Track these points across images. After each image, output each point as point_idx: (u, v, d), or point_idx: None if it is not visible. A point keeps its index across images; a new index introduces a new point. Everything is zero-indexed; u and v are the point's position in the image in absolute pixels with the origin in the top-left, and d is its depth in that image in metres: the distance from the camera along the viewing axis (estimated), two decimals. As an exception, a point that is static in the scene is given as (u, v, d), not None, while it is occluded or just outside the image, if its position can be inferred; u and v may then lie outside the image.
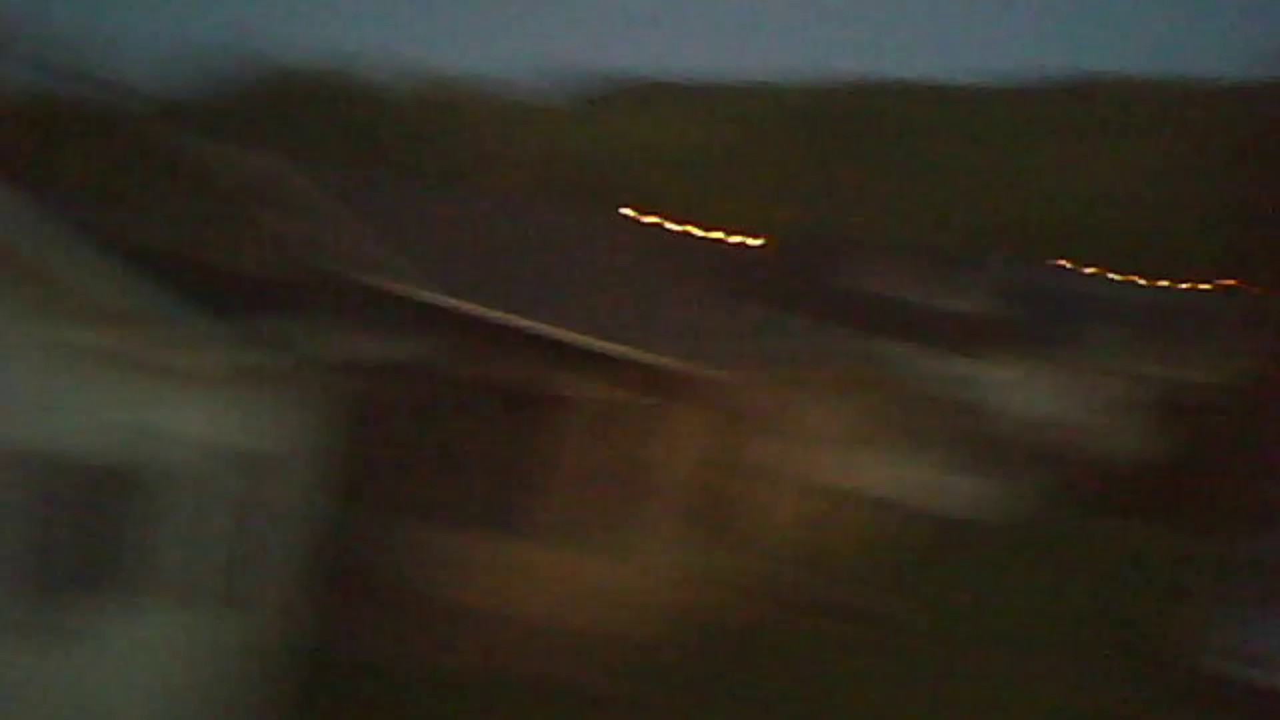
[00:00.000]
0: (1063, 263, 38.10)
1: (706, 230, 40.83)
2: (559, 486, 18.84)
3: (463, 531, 16.44)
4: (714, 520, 17.00)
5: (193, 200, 17.39)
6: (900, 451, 22.01)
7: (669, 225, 38.64)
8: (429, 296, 16.33)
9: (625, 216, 28.25)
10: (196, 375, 10.30)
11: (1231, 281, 37.45)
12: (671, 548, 15.54)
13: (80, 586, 9.56)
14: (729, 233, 41.25)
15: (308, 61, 66.63)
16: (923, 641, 17.36)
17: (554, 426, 18.86)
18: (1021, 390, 30.83)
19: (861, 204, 66.80)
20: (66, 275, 8.56)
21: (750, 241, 43.57)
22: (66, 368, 8.98)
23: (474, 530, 16.59)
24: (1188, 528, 22.93)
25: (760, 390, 17.46)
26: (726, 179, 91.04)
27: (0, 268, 8.14)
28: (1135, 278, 37.67)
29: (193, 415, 10.58)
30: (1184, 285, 38.41)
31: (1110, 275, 37.56)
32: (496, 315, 16.22)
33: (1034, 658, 17.03)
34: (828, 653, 16.77)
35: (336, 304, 13.77)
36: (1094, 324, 33.36)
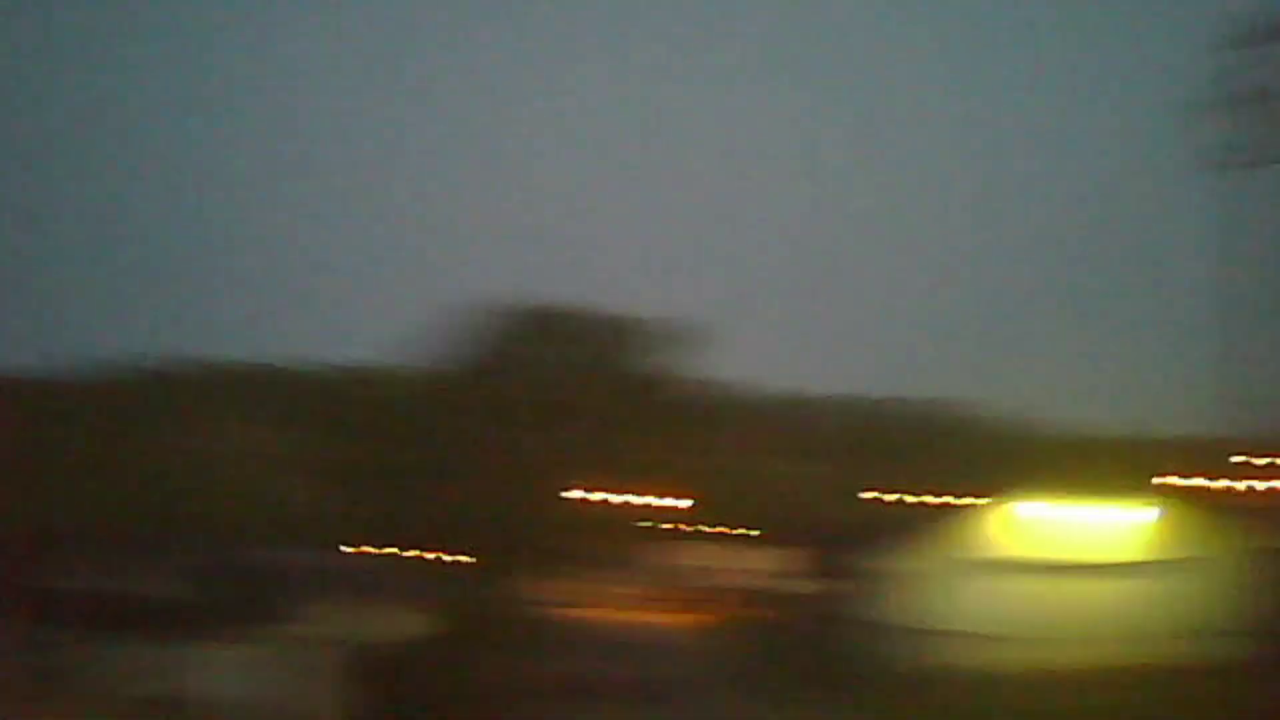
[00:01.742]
0: (251, 539, 40.06)
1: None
2: None
3: None
4: None
5: None
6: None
7: None
8: None
9: None
10: None
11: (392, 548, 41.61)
12: None
13: None
14: None
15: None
16: None
17: None
18: (229, 669, 31.97)
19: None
20: None
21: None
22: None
23: None
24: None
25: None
26: None
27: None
28: (322, 549, 40.47)
29: None
30: (360, 551, 41.86)
31: (297, 548, 40.02)
32: None
33: None
34: None
35: None
36: (288, 595, 35.50)
